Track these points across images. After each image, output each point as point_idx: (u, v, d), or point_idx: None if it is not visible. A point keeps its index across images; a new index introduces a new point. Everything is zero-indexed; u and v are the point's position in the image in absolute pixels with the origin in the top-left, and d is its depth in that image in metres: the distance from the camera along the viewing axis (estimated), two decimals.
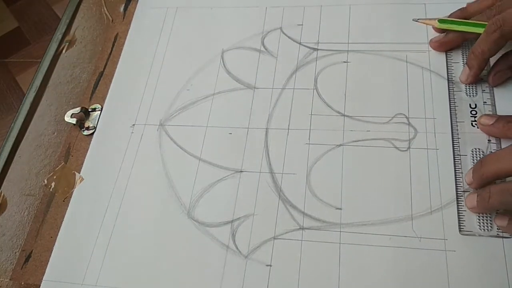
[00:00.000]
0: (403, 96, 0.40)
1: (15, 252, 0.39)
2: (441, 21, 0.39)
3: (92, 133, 0.44)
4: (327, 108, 0.41)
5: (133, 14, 0.51)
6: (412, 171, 0.36)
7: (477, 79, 0.38)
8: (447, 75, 0.40)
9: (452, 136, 0.37)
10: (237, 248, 0.36)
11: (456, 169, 0.36)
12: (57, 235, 0.39)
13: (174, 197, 0.39)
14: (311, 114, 0.41)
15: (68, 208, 0.40)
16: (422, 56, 0.41)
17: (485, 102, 0.38)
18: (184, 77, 0.45)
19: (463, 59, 0.40)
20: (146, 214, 0.39)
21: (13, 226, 0.41)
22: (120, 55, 0.48)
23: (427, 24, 0.41)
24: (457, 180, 0.35)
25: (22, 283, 0.38)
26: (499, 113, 0.37)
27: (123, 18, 0.51)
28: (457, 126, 0.37)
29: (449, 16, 0.40)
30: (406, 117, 0.39)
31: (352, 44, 0.43)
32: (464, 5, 0.41)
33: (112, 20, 0.52)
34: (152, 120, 0.43)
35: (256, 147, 0.40)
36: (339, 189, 0.36)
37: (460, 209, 0.34)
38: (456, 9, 0.40)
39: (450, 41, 0.40)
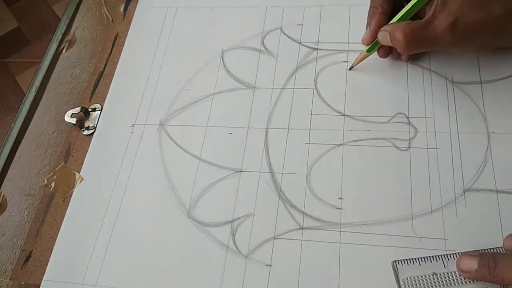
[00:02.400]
0: (403, 96, 0.40)
1: (15, 252, 0.39)
2: (368, 49, 0.39)
3: (92, 133, 0.44)
4: (327, 107, 0.41)
5: (133, 14, 0.51)
6: (412, 171, 0.36)
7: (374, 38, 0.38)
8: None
9: (452, 135, 0.37)
10: (237, 248, 0.36)
11: (456, 169, 0.36)
12: (57, 235, 0.39)
13: (174, 197, 0.39)
14: (311, 114, 0.41)
15: (68, 208, 0.40)
16: (422, 55, 0.41)
17: (485, 101, 0.38)
18: (184, 77, 0.45)
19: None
20: (146, 214, 0.39)
21: (13, 226, 0.41)
22: (120, 55, 0.48)
23: (361, 60, 0.41)
24: (457, 180, 0.35)
25: (22, 283, 0.38)
26: (497, 109, 0.37)
27: (123, 18, 0.51)
28: (457, 125, 0.37)
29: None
30: (406, 117, 0.39)
31: (352, 43, 0.43)
32: None
33: (112, 20, 0.52)
34: (152, 120, 0.43)
35: (256, 146, 0.40)
36: (339, 189, 0.36)
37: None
38: None
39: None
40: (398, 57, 0.41)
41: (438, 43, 0.35)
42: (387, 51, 0.40)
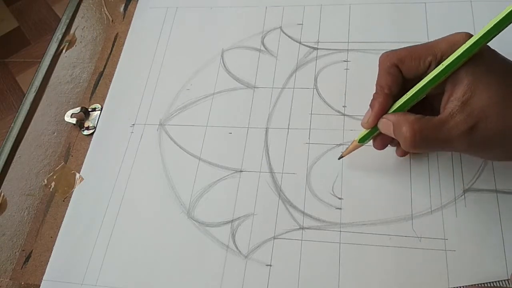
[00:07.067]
0: None
1: (15, 252, 0.39)
2: (361, 139, 0.34)
3: (92, 133, 0.44)
4: (327, 107, 0.41)
5: (133, 14, 0.51)
6: (412, 171, 0.36)
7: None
8: None
9: None
10: (237, 248, 0.36)
11: (456, 169, 0.36)
12: (57, 235, 0.39)
13: (174, 197, 0.39)
14: (311, 114, 0.41)
15: (68, 208, 0.40)
16: None
17: None
18: (184, 76, 0.45)
19: None
20: (146, 214, 0.39)
21: (13, 226, 0.41)
22: (120, 55, 0.48)
23: (352, 150, 0.36)
24: (457, 180, 0.35)
25: (22, 283, 0.38)
26: None
27: (123, 18, 0.51)
28: None
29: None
30: None
31: (352, 43, 0.43)
32: (464, 4, 0.40)
33: (112, 20, 0.52)
34: (152, 119, 0.43)
35: (256, 146, 0.40)
36: (339, 189, 0.36)
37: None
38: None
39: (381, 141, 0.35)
40: (395, 146, 0.36)
41: (450, 146, 0.30)
42: (385, 143, 0.34)
